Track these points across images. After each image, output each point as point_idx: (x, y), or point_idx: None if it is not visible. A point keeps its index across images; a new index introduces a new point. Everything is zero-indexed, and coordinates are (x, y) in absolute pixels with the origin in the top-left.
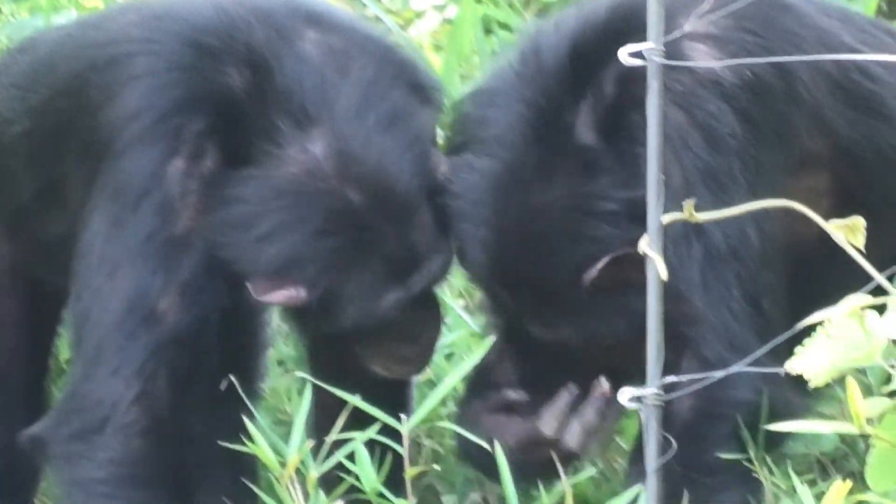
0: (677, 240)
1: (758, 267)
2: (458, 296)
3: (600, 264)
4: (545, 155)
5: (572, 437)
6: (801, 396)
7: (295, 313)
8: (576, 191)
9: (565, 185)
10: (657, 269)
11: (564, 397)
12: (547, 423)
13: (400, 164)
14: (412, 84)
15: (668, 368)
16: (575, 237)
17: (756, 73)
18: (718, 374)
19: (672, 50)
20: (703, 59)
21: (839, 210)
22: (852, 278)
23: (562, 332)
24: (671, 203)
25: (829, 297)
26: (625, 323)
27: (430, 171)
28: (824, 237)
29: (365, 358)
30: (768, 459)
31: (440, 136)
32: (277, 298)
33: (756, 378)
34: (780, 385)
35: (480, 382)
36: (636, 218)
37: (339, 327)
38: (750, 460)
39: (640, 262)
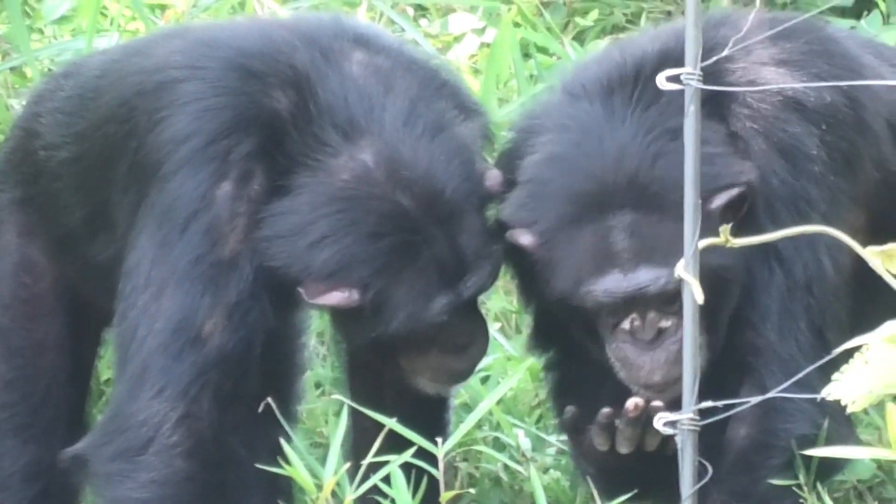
0: (758, 266)
1: (828, 299)
2: (494, 319)
3: (733, 192)
4: (638, 126)
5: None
6: (844, 424)
7: (345, 318)
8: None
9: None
10: (693, 293)
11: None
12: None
13: (448, 170)
14: (456, 104)
15: (727, 395)
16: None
17: (832, 98)
18: (754, 400)
19: (739, 73)
20: (775, 82)
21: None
22: (889, 308)
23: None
24: (752, 228)
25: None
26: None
27: (477, 179)
28: (860, 270)
29: (410, 371)
30: (818, 487)
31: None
32: (330, 301)
33: (816, 412)
34: (838, 416)
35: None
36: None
37: (390, 331)
38: (800, 486)
39: (752, 195)
